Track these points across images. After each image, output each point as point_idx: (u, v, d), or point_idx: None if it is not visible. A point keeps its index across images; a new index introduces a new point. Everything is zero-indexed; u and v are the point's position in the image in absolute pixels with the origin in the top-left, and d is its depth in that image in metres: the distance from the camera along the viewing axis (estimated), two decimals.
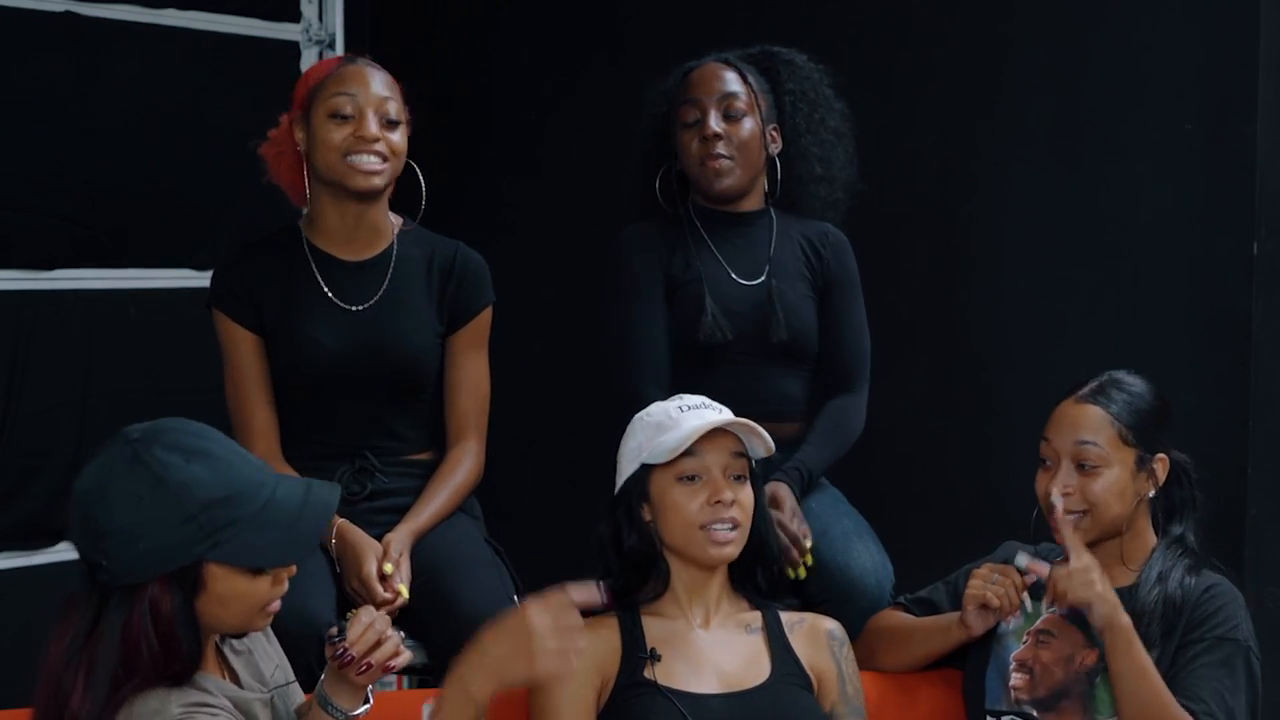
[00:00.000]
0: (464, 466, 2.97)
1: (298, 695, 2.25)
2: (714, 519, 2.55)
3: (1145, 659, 2.52)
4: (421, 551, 2.84)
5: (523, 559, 3.01)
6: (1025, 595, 2.65)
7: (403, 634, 2.20)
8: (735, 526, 2.56)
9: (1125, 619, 2.53)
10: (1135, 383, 2.70)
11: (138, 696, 1.99)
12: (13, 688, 3.75)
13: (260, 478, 2.05)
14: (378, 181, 2.88)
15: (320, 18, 4.40)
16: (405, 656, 2.15)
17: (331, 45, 4.39)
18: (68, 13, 3.95)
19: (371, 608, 2.18)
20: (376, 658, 2.11)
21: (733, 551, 2.58)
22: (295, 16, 4.36)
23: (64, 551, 3.99)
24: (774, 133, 3.17)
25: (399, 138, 2.89)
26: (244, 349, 2.92)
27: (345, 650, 2.10)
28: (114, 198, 4.04)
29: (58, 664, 2.01)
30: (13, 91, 3.89)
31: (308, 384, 2.90)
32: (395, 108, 2.88)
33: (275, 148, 2.97)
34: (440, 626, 2.78)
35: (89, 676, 1.98)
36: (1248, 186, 3.37)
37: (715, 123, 3.09)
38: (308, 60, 4.35)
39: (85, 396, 4.00)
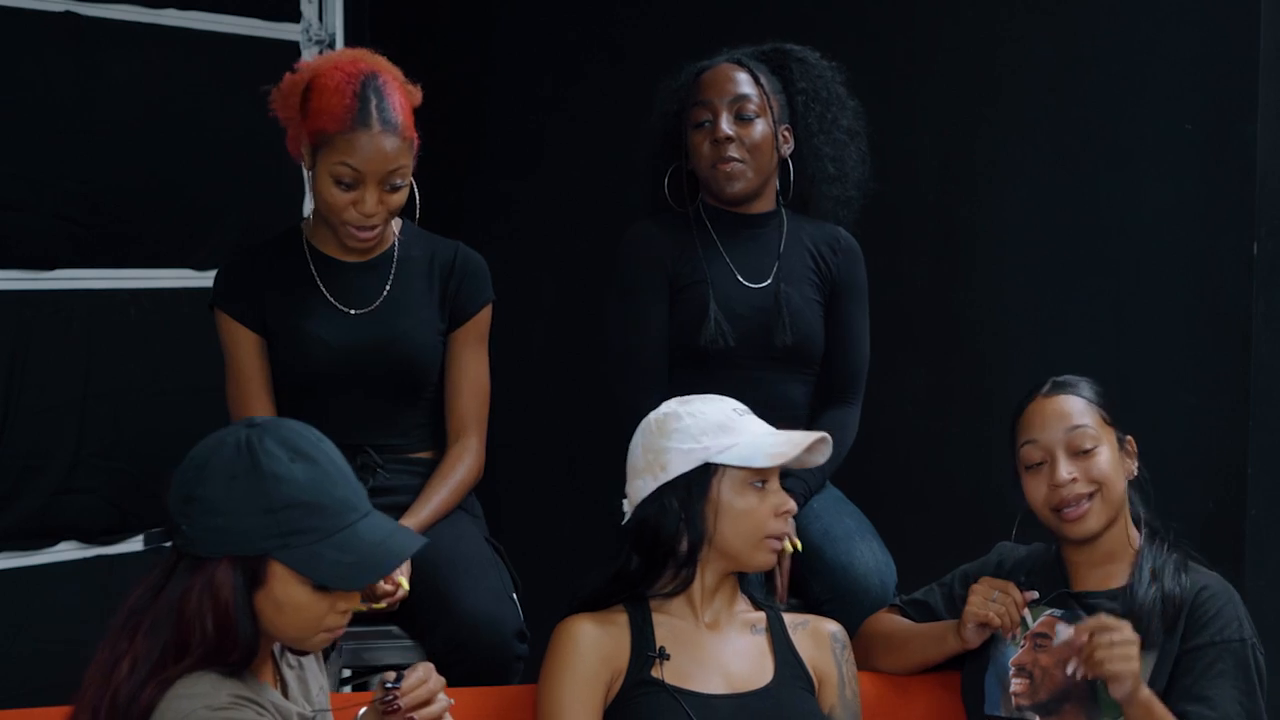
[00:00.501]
0: (464, 464, 2.97)
1: None
2: (779, 530, 2.56)
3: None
4: (421, 550, 2.84)
5: (523, 558, 3.01)
6: (1026, 612, 2.64)
7: (444, 691, 2.20)
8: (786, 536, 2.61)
9: (1146, 689, 2.49)
10: (1082, 378, 2.70)
11: (188, 677, 2.01)
12: (12, 688, 3.76)
13: (354, 503, 2.08)
14: (370, 245, 2.90)
15: (320, 18, 4.40)
16: None
17: (331, 45, 4.39)
18: (68, 13, 3.95)
19: (431, 665, 2.19)
20: (421, 715, 2.13)
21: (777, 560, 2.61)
22: (295, 16, 4.36)
23: (64, 551, 4.00)
24: (786, 133, 3.16)
25: (399, 197, 2.85)
26: (246, 348, 2.92)
27: (395, 698, 2.12)
28: (114, 198, 4.04)
29: (121, 619, 2.05)
30: (13, 91, 3.89)
31: (312, 383, 2.91)
32: (402, 171, 2.83)
33: (285, 110, 2.91)
34: (440, 625, 2.78)
35: (146, 639, 2.01)
36: (1248, 186, 3.37)
37: (727, 125, 3.08)
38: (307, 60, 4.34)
39: (85, 396, 4.00)
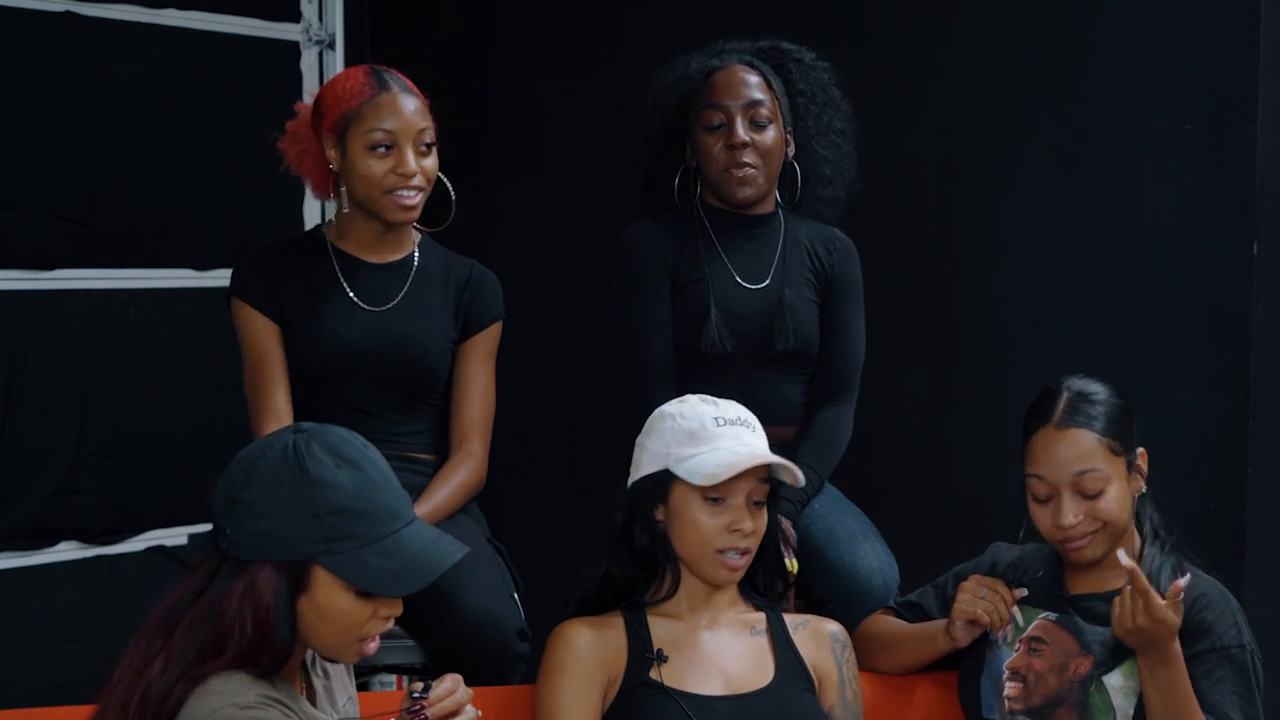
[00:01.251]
0: (467, 468, 2.98)
1: None
2: (730, 545, 2.53)
3: (1189, 690, 2.49)
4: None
5: (523, 559, 3.01)
6: (1015, 609, 2.64)
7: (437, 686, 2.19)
8: (746, 553, 2.56)
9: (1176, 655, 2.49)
10: (1099, 389, 2.61)
11: (219, 675, 2.01)
12: (12, 688, 3.76)
13: (398, 510, 2.08)
14: (415, 214, 2.94)
15: (320, 18, 4.40)
16: None
17: (331, 45, 4.39)
18: (68, 13, 3.95)
19: (459, 676, 2.19)
20: None
21: (740, 576, 2.58)
22: (295, 16, 4.36)
23: (64, 551, 4.00)
24: (789, 136, 3.15)
25: (432, 162, 2.92)
26: (265, 336, 2.94)
27: (423, 708, 2.12)
28: (114, 198, 4.04)
29: (157, 618, 2.05)
30: (13, 91, 3.89)
31: (322, 376, 2.93)
32: (429, 133, 2.92)
33: (297, 145, 3.00)
34: (441, 625, 2.78)
35: (183, 638, 2.02)
36: (1248, 186, 3.37)
37: (743, 131, 3.06)
38: (308, 60, 4.35)
39: (85, 396, 4.00)
